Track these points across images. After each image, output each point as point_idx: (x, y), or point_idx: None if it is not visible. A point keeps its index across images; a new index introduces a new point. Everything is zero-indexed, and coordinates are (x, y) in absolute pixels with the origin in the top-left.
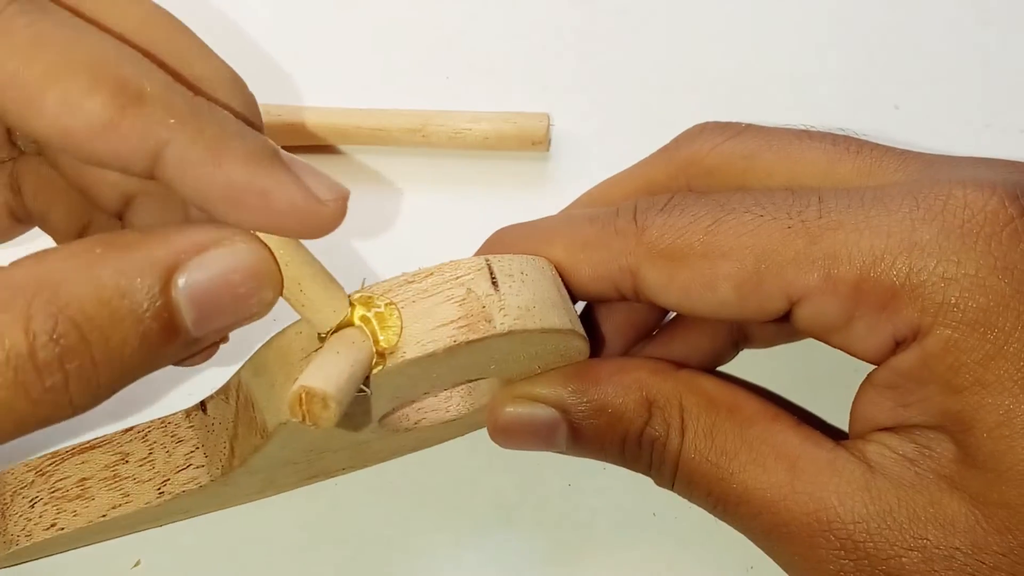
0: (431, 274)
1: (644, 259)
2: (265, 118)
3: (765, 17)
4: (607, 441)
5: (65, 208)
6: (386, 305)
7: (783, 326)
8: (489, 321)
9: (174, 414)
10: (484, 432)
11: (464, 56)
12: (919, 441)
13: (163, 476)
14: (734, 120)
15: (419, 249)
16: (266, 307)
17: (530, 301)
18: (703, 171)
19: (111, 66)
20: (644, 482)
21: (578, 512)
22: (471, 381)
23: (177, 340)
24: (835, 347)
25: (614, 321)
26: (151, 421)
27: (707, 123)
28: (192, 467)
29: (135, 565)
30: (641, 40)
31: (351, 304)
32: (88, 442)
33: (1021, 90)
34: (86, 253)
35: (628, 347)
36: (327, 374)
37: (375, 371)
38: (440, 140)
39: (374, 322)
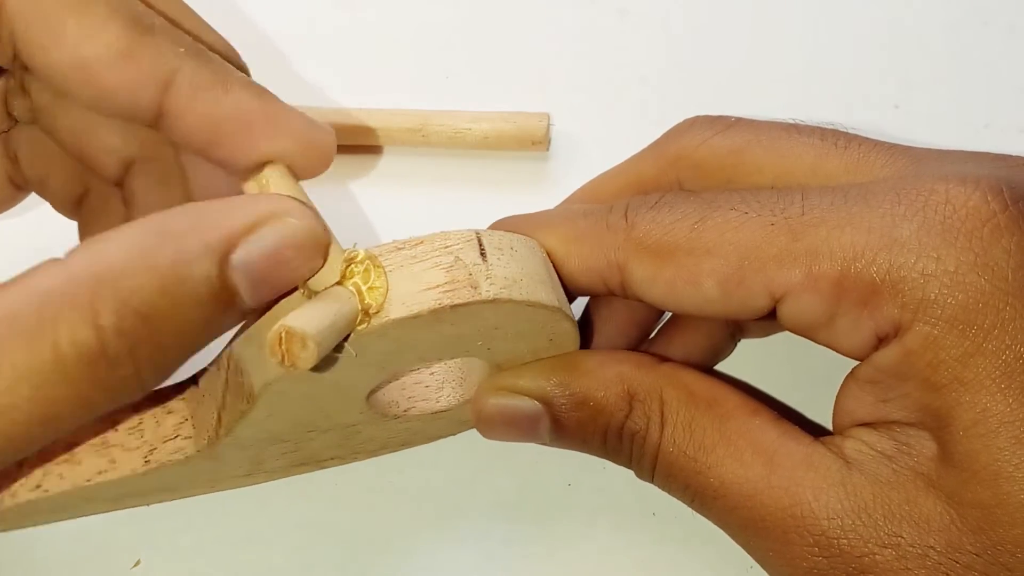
0: (421, 242)
1: (631, 254)
2: None
3: (765, 17)
4: (589, 434)
5: (62, 175)
6: (375, 267)
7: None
8: (475, 288)
9: (166, 386)
10: None
11: (464, 56)
12: (898, 438)
13: (151, 445)
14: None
15: None
16: (315, 272)
17: (518, 274)
18: (692, 165)
19: (123, 1)
20: (642, 483)
21: (578, 512)
22: (459, 358)
23: (235, 312)
24: (820, 344)
25: (614, 321)
26: None
27: (697, 117)
28: (180, 438)
29: (135, 565)
30: (641, 40)
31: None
32: None
33: (1021, 90)
34: (142, 241)
35: (628, 347)
36: (308, 317)
37: (359, 327)
38: (440, 140)
39: (361, 283)
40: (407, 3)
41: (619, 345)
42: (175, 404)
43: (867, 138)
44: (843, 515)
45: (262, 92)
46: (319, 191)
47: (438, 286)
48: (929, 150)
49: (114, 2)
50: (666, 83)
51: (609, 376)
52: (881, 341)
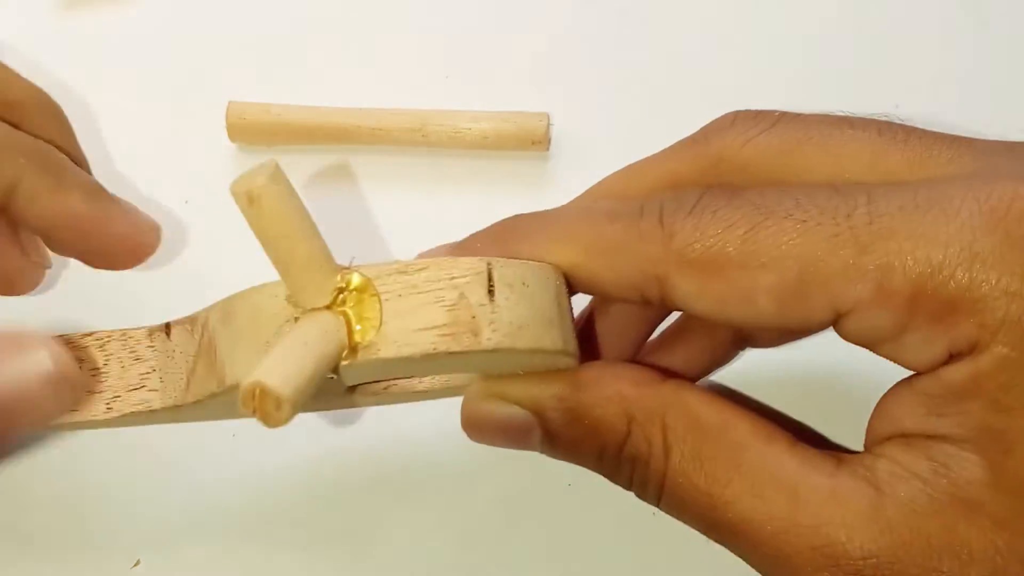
0: (426, 268)
1: (674, 267)
2: (265, 118)
3: (765, 17)
4: (583, 451)
5: None
6: (369, 296)
7: (791, 330)
8: (476, 335)
9: (137, 328)
10: None
11: (464, 55)
12: (936, 458)
13: (114, 392)
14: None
15: (418, 248)
16: (67, 409)
17: (524, 318)
18: (736, 167)
19: None
20: None
21: (578, 512)
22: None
23: None
24: (883, 356)
25: (613, 326)
26: (111, 331)
27: (738, 112)
28: (146, 389)
29: (135, 565)
30: (641, 40)
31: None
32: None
33: (1021, 90)
34: None
35: (629, 351)
36: (286, 372)
37: (343, 363)
38: (440, 139)
39: (351, 313)
40: (407, 3)
41: (619, 349)
42: (144, 351)
43: (925, 130)
44: (879, 553)
45: (97, 193)
46: (321, 192)
47: (436, 327)
48: (993, 143)
49: None
50: (666, 83)
51: (607, 394)
52: (952, 357)
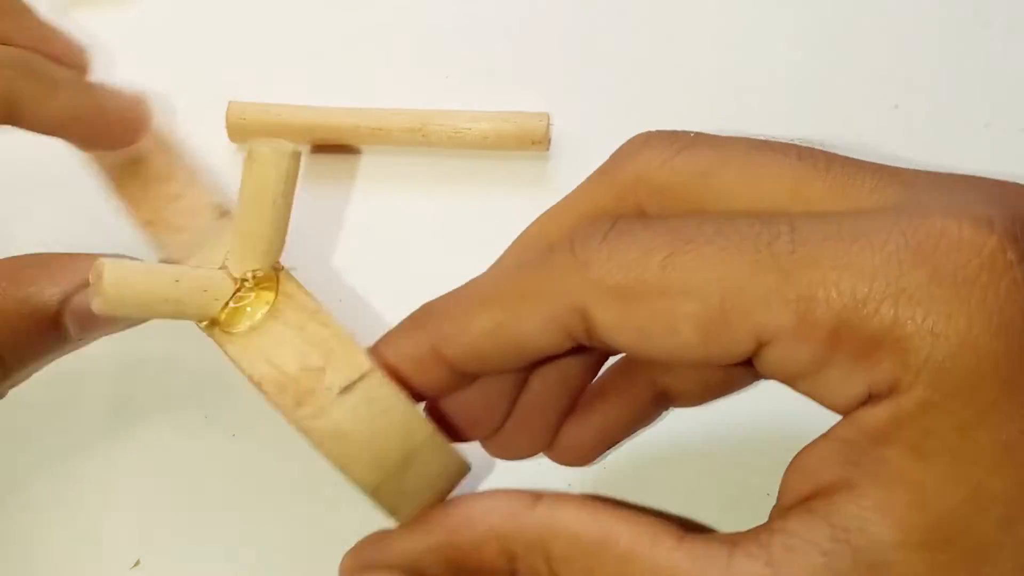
0: (326, 326)
1: (592, 297)
2: (265, 117)
3: (764, 17)
4: None
5: None
6: (265, 298)
7: (712, 384)
8: (297, 404)
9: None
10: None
11: (464, 55)
12: (837, 523)
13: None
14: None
15: (418, 249)
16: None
17: (354, 432)
18: (653, 191)
19: None
20: (641, 484)
21: None
22: None
23: (60, 340)
24: (800, 393)
25: (543, 385)
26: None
27: (651, 133)
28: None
29: (135, 565)
30: (641, 40)
31: (273, 271)
32: None
33: (1021, 89)
34: None
35: (557, 413)
36: (131, 279)
37: (201, 324)
38: (440, 139)
39: (250, 298)
40: (408, 3)
41: (547, 413)
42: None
43: (848, 158)
44: None
45: (84, 86)
46: (320, 191)
47: (277, 370)
48: (919, 173)
49: None
50: (666, 83)
51: (480, 534)
52: (871, 398)
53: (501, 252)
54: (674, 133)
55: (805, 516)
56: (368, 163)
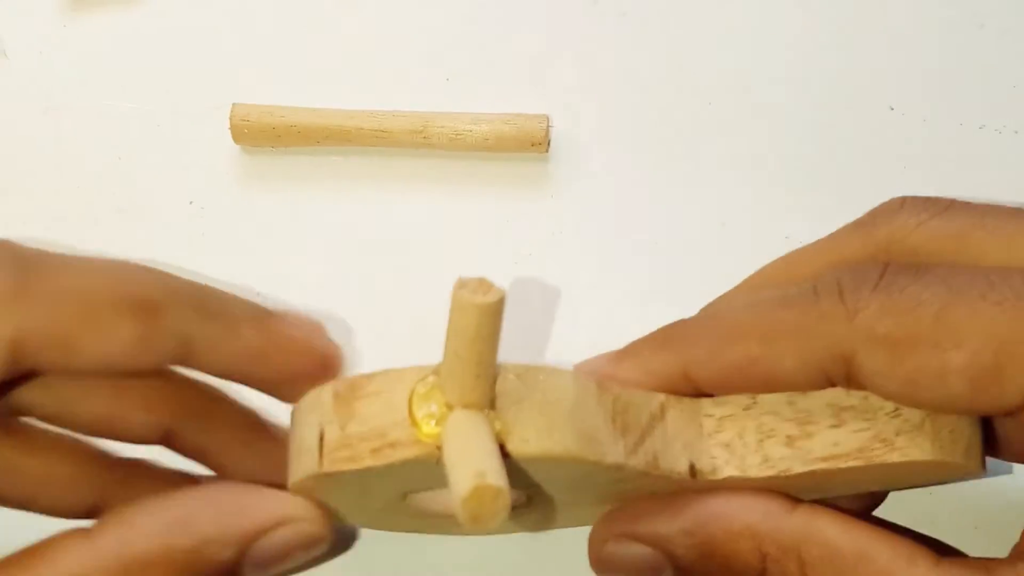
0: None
1: (860, 345)
2: (268, 119)
3: (763, 18)
4: None
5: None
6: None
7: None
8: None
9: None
10: None
11: (464, 58)
12: None
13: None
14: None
15: (420, 251)
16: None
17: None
18: (907, 251)
19: (124, 287)
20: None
21: None
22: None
23: None
24: None
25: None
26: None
27: (907, 197)
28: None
29: None
30: (641, 42)
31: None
32: None
33: (1016, 91)
34: (166, 529)
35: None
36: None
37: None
38: (441, 142)
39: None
40: (409, 6)
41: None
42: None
43: None
44: None
45: (261, 316)
46: (321, 192)
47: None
48: None
49: (117, 294)
50: (666, 84)
51: (736, 528)
52: None
53: (499, 252)
54: (930, 198)
55: None
56: (370, 164)
